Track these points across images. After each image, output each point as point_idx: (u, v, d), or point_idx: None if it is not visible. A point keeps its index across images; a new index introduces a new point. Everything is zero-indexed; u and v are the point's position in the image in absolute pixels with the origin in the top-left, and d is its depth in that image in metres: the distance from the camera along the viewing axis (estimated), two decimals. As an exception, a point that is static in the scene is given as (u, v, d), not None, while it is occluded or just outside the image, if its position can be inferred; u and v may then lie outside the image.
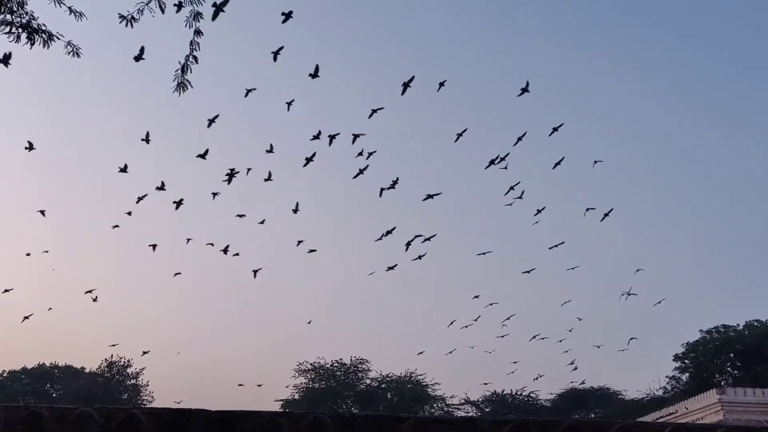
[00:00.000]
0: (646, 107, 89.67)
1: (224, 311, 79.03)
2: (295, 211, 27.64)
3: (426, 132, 79.62)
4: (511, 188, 26.55)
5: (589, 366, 75.24)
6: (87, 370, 58.30)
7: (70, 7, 7.10)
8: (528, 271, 33.90)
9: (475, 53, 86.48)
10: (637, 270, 35.70)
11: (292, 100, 22.67)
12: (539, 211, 28.57)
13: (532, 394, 56.69)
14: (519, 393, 57.12)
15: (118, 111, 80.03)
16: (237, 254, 28.56)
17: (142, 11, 6.95)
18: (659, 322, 74.79)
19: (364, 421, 2.78)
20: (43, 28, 7.15)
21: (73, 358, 60.36)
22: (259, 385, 42.79)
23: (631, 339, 40.79)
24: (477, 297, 34.98)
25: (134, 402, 54.72)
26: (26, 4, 7.05)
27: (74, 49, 7.50)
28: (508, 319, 36.74)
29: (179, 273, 34.32)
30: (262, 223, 30.73)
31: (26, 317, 33.78)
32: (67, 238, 79.31)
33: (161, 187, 24.22)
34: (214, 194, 25.62)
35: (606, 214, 28.48)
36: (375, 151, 24.69)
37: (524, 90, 22.25)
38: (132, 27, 7.04)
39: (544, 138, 26.38)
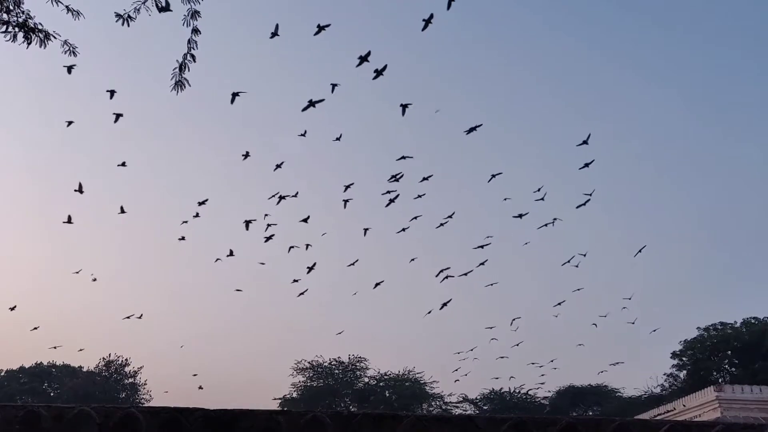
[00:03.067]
0: (644, 107, 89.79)
1: (222, 310, 79.02)
2: (366, 232, 28.12)
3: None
4: (545, 225, 27.93)
5: (588, 364, 75.45)
6: (85, 369, 58.22)
7: (67, 6, 7.08)
8: (559, 304, 34.74)
9: (473, 51, 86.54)
10: (627, 297, 36.89)
11: (341, 135, 23.80)
12: (574, 259, 30.12)
13: (530, 392, 56.80)
14: (517, 391, 57.20)
15: (115, 110, 79.77)
16: (297, 281, 28.61)
17: (138, 10, 6.93)
18: (657, 320, 74.98)
19: (363, 420, 2.78)
20: (40, 27, 7.13)
21: (71, 357, 60.23)
22: (200, 388, 41.54)
23: (617, 363, 41.94)
24: (517, 319, 35.84)
25: (132, 401, 54.60)
26: (23, 3, 7.03)
27: (71, 48, 7.47)
28: (517, 345, 37.79)
29: (240, 290, 33.91)
30: (307, 248, 29.08)
31: (55, 347, 33.98)
32: (66, 238, 79.36)
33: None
34: (269, 225, 25.67)
35: (639, 250, 30.71)
36: (424, 194, 25.75)
37: (584, 142, 23.25)
38: (128, 26, 7.02)
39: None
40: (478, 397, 57.80)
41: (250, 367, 72.06)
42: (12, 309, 33.05)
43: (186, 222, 26.45)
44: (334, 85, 18.56)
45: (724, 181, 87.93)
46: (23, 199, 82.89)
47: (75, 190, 22.15)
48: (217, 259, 29.25)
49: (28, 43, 7.12)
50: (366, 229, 27.92)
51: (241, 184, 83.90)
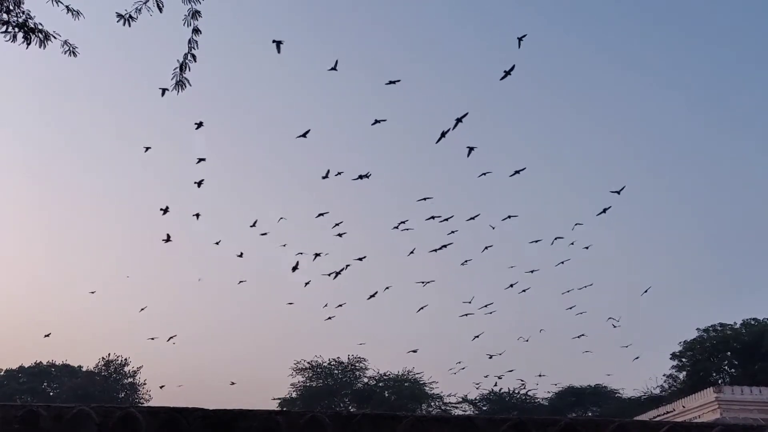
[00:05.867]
0: (644, 106, 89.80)
1: (221, 309, 79.01)
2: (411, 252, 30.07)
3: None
4: (562, 262, 29.92)
5: (588, 364, 75.43)
6: (84, 369, 58.23)
7: (67, 6, 7.08)
8: (578, 336, 36.24)
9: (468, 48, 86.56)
10: (612, 318, 37.81)
11: (370, 174, 24.83)
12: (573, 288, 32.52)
13: (529, 393, 56.81)
14: (516, 391, 57.18)
15: (114, 110, 79.95)
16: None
17: (139, 10, 6.93)
18: (657, 320, 75.00)
19: (362, 420, 2.78)
20: (40, 27, 7.12)
21: (71, 357, 60.24)
22: (162, 386, 41.12)
23: (607, 375, 43.08)
24: (526, 340, 37.61)
25: (131, 401, 54.60)
26: (23, 3, 7.02)
27: (71, 48, 7.46)
28: (511, 371, 40.53)
29: (289, 304, 35.02)
30: (347, 267, 28.83)
31: (74, 367, 33.82)
32: (65, 238, 79.32)
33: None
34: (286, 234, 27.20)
35: (645, 291, 34.95)
36: (457, 230, 27.24)
37: (617, 191, 25.09)
38: (129, 26, 7.03)
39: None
40: (478, 398, 57.82)
41: (249, 367, 72.02)
42: (47, 336, 33.26)
43: (218, 243, 27.50)
44: (377, 121, 20.17)
45: (724, 182, 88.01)
46: (23, 199, 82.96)
47: (161, 209, 23.59)
48: (241, 281, 31.27)
49: (28, 44, 7.11)
50: (411, 252, 29.84)
51: (239, 183, 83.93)
